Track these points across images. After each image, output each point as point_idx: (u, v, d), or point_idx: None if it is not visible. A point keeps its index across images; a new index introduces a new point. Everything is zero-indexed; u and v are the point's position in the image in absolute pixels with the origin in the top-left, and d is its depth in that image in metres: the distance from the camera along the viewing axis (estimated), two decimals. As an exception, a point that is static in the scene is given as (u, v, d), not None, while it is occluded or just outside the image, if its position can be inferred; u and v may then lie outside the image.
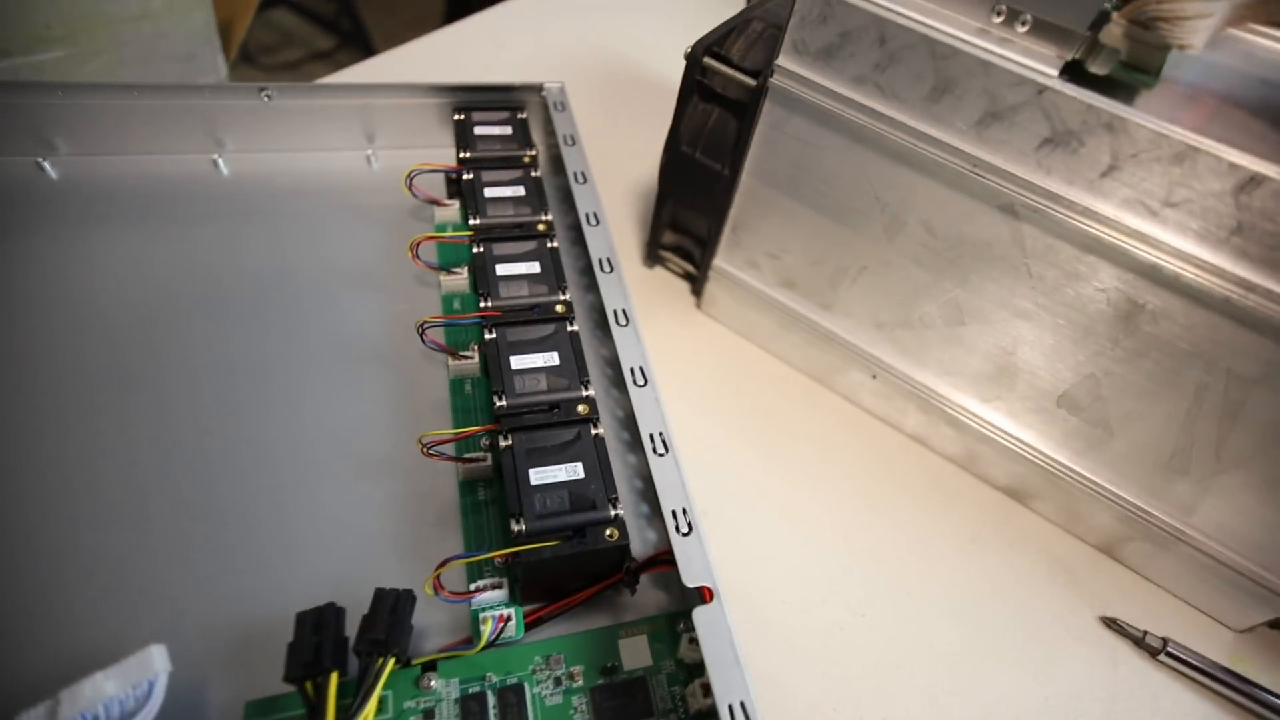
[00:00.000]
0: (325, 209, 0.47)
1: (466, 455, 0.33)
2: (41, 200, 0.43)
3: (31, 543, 0.30)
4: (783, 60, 0.34)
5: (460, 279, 0.41)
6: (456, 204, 0.45)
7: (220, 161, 0.47)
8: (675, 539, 0.28)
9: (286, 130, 0.48)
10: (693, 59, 0.38)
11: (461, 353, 0.37)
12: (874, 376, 0.41)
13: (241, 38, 0.96)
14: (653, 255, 0.48)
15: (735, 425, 0.42)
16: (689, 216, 0.45)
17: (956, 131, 0.31)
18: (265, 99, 0.46)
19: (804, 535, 0.38)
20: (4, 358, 0.36)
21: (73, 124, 0.44)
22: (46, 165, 0.44)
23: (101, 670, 0.24)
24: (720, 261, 0.43)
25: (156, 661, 0.24)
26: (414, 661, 0.27)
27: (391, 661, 0.26)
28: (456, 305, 0.41)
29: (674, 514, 0.29)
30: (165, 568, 0.30)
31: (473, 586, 0.29)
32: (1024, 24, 0.28)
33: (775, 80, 0.34)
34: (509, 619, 0.28)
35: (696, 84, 0.39)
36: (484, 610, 0.28)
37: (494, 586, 0.29)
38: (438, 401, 0.38)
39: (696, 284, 0.46)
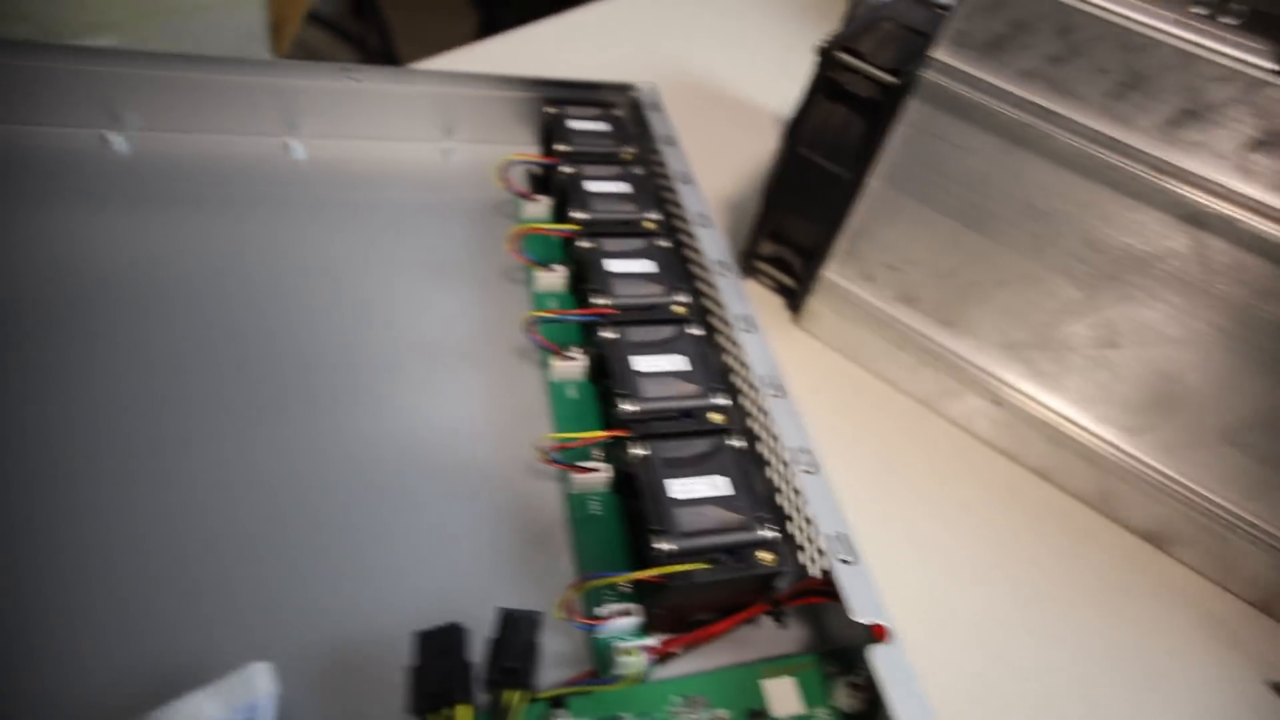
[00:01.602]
0: (401, 200, 0.44)
1: (586, 464, 0.29)
2: (105, 175, 0.40)
3: (112, 550, 0.26)
4: (940, 53, 0.32)
5: (555, 276, 0.38)
6: (545, 200, 0.43)
7: (294, 145, 0.44)
8: (838, 568, 0.25)
9: (364, 116, 0.45)
10: (825, 55, 0.36)
11: (567, 352, 0.34)
12: (996, 402, 0.38)
13: (295, 37, 0.95)
14: (748, 267, 0.46)
15: (838, 449, 0.39)
16: (795, 225, 0.42)
17: (1141, 132, 0.28)
18: (352, 81, 0.43)
19: (933, 571, 0.34)
20: (68, 342, 0.32)
21: (143, 97, 0.41)
22: (112, 138, 0.41)
23: (201, 689, 0.21)
24: (830, 273, 0.40)
25: (261, 681, 0.20)
26: (539, 696, 0.24)
27: (524, 696, 0.22)
28: (552, 304, 0.38)
29: (833, 540, 0.25)
30: (254, 579, 0.26)
31: (603, 612, 0.25)
32: (1234, 14, 0.26)
33: (929, 75, 0.32)
34: (658, 652, 0.24)
35: (826, 82, 0.37)
36: (618, 640, 0.24)
37: (624, 613, 0.25)
38: (532, 404, 0.35)
39: (794, 298, 0.44)
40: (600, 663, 0.25)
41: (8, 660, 0.23)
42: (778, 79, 0.76)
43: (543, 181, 0.44)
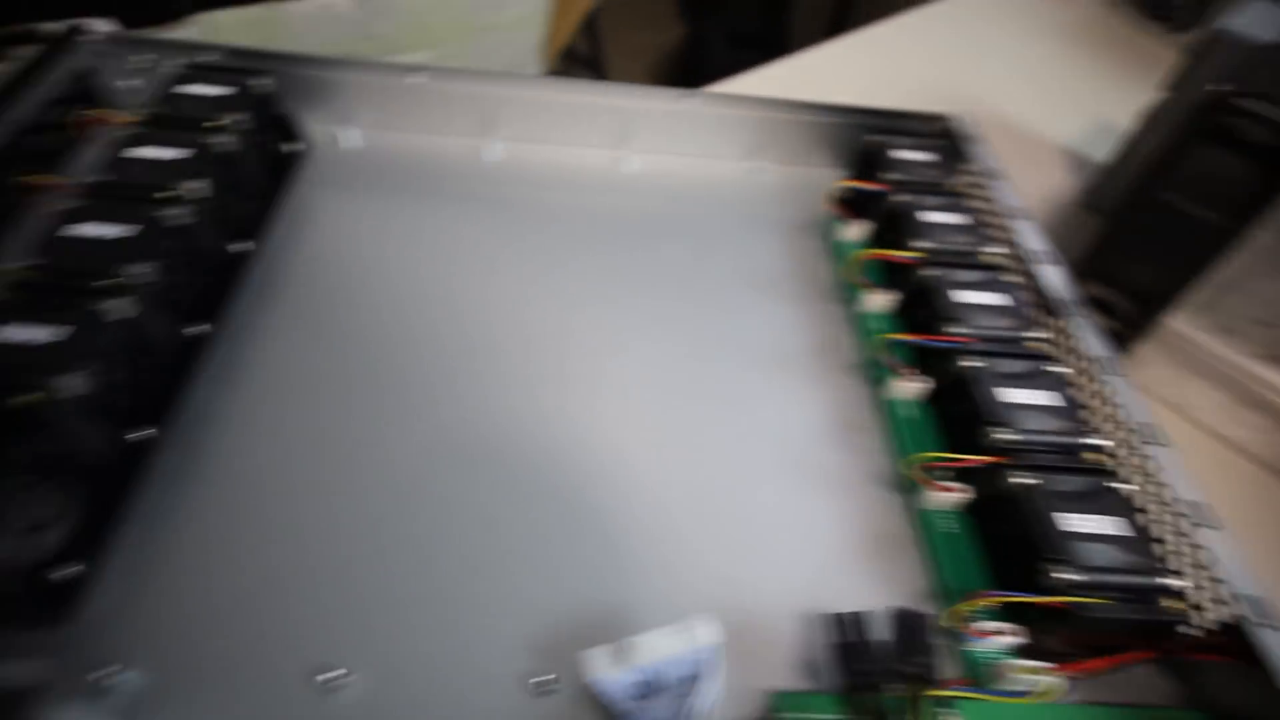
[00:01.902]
0: (714, 215, 0.48)
1: (952, 484, 0.31)
2: (478, 178, 0.47)
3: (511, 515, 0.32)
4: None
5: (883, 299, 0.40)
6: (862, 224, 0.45)
7: (625, 158, 0.50)
8: (1257, 631, 0.24)
9: (683, 135, 0.50)
10: (1211, 101, 0.35)
11: (915, 374, 0.35)
12: (1374, 482, 0.35)
13: (563, 48, 1.05)
14: (1061, 305, 0.45)
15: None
16: (1133, 268, 0.41)
17: None
18: (678, 103, 0.48)
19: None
20: (339, 336, 0.39)
21: (513, 113, 0.48)
22: (487, 147, 0.48)
23: (659, 630, 0.24)
24: (1179, 323, 0.39)
25: (708, 630, 0.24)
26: (937, 693, 0.25)
27: (927, 690, 0.24)
28: (881, 326, 0.40)
29: (1251, 601, 0.25)
30: (659, 556, 0.30)
31: (990, 627, 0.27)
32: None
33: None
34: (1055, 677, 0.25)
35: (1209, 125, 0.35)
36: (1002, 658, 0.26)
37: (1004, 632, 0.27)
38: (860, 419, 0.37)
39: (1120, 343, 0.42)
40: (973, 673, 0.27)
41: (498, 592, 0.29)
42: (1056, 109, 0.73)
43: (857, 206, 0.45)
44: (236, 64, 0.43)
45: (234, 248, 0.38)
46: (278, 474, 0.31)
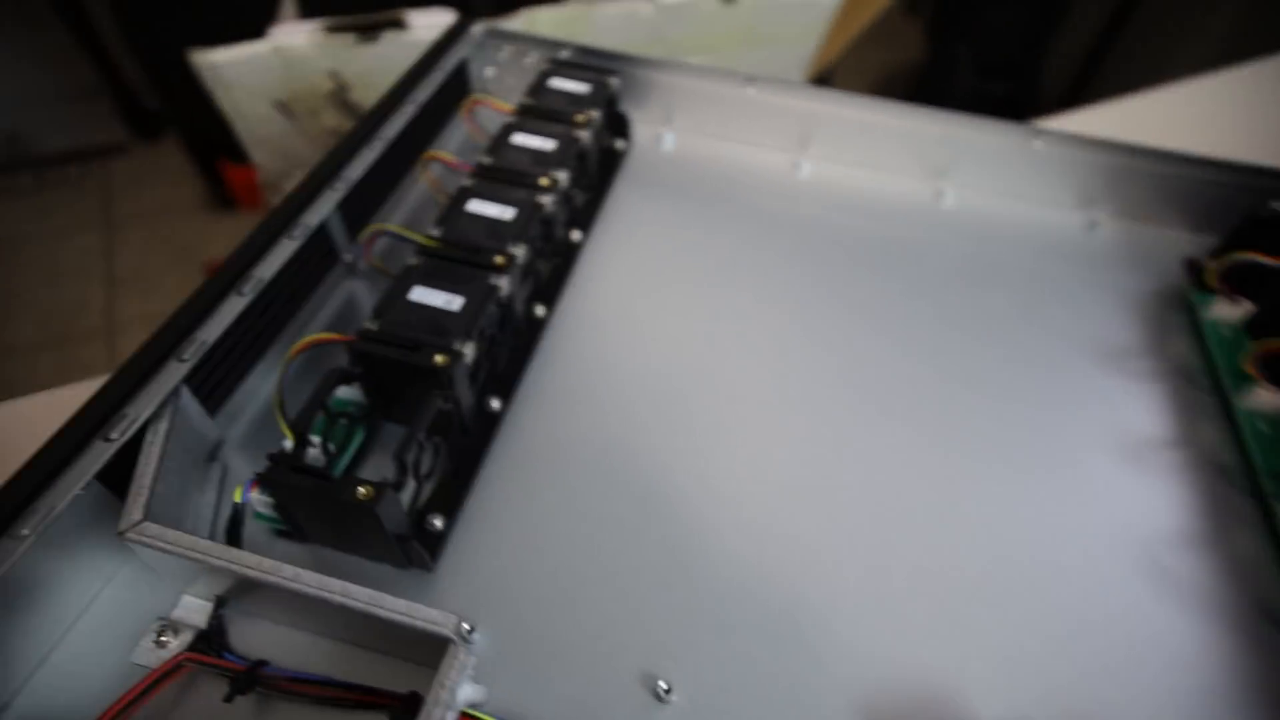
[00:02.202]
0: (1036, 266, 0.43)
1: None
2: (787, 193, 0.46)
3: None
4: None
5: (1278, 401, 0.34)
6: (1245, 304, 0.38)
7: (945, 191, 0.46)
8: None
9: (1002, 172, 0.45)
10: None
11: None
12: None
13: (827, 65, 1.02)
14: None
15: None
16: None
17: None
18: (1008, 138, 0.43)
19: None
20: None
21: (827, 132, 0.47)
22: (800, 163, 0.47)
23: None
24: None
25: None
26: None
27: None
28: (1265, 430, 0.33)
29: None
30: None
31: None
32: None
33: None
34: None
35: None
36: None
37: None
38: (1225, 531, 0.31)
39: None
40: None
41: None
42: None
43: (1241, 282, 0.39)
44: (590, 62, 0.46)
45: (574, 236, 0.40)
46: (606, 468, 0.32)
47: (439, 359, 0.27)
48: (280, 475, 0.24)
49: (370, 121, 0.37)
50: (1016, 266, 0.43)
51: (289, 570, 0.22)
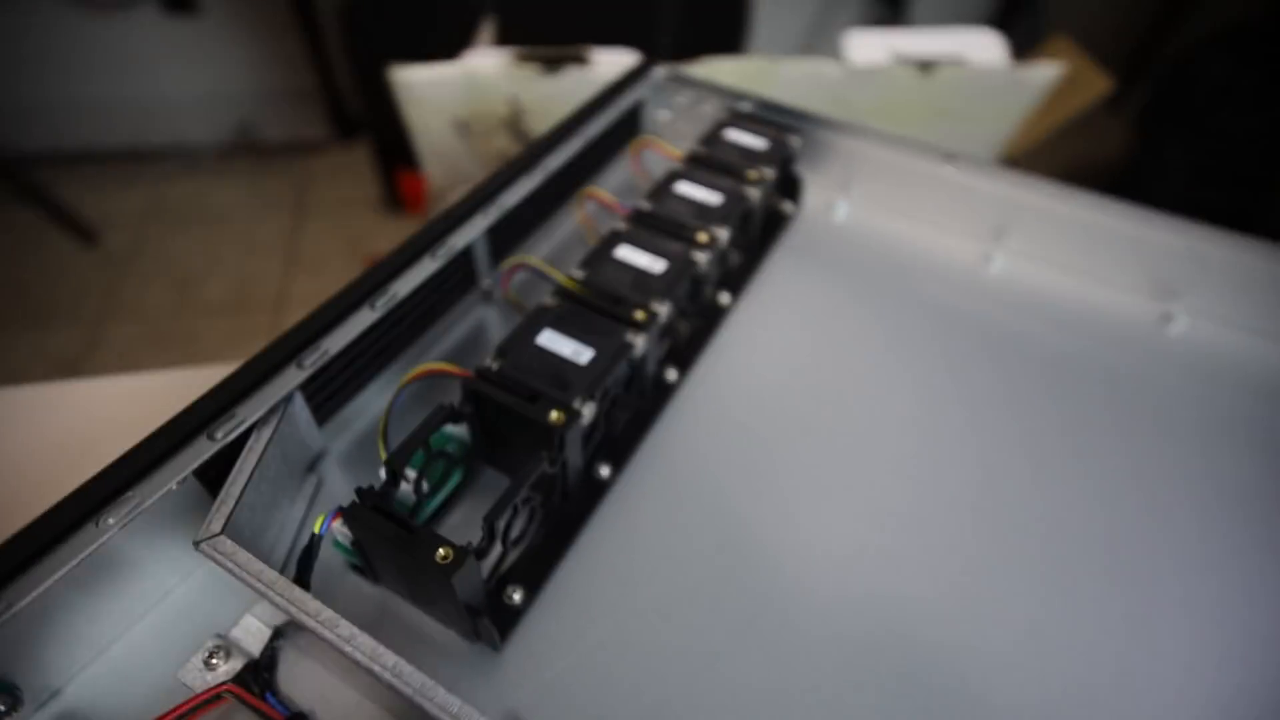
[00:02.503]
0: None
1: None
2: (977, 289, 0.40)
3: None
4: None
5: None
6: None
7: (1176, 318, 0.38)
8: None
9: (1243, 298, 0.37)
10: None
11: None
12: None
13: (1019, 152, 0.94)
14: None
15: None
16: None
17: None
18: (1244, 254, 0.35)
19: None
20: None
21: (1026, 224, 0.40)
22: (992, 255, 0.41)
23: None
24: None
25: None
26: None
27: None
28: None
29: None
30: None
31: None
32: None
33: None
34: None
35: None
36: None
37: None
38: None
39: None
40: None
41: None
42: None
43: None
44: (771, 117, 0.43)
45: (722, 299, 0.37)
46: (715, 572, 0.27)
47: (555, 416, 0.25)
48: (363, 514, 0.22)
49: (536, 149, 0.36)
50: (1264, 426, 0.34)
51: (345, 629, 0.20)
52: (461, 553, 0.21)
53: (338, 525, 0.23)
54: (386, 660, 0.19)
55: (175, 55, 1.42)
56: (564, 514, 0.28)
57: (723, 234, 0.33)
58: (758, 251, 0.40)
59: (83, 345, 1.15)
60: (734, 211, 0.35)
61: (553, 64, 0.63)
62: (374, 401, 0.32)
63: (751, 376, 0.35)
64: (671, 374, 0.33)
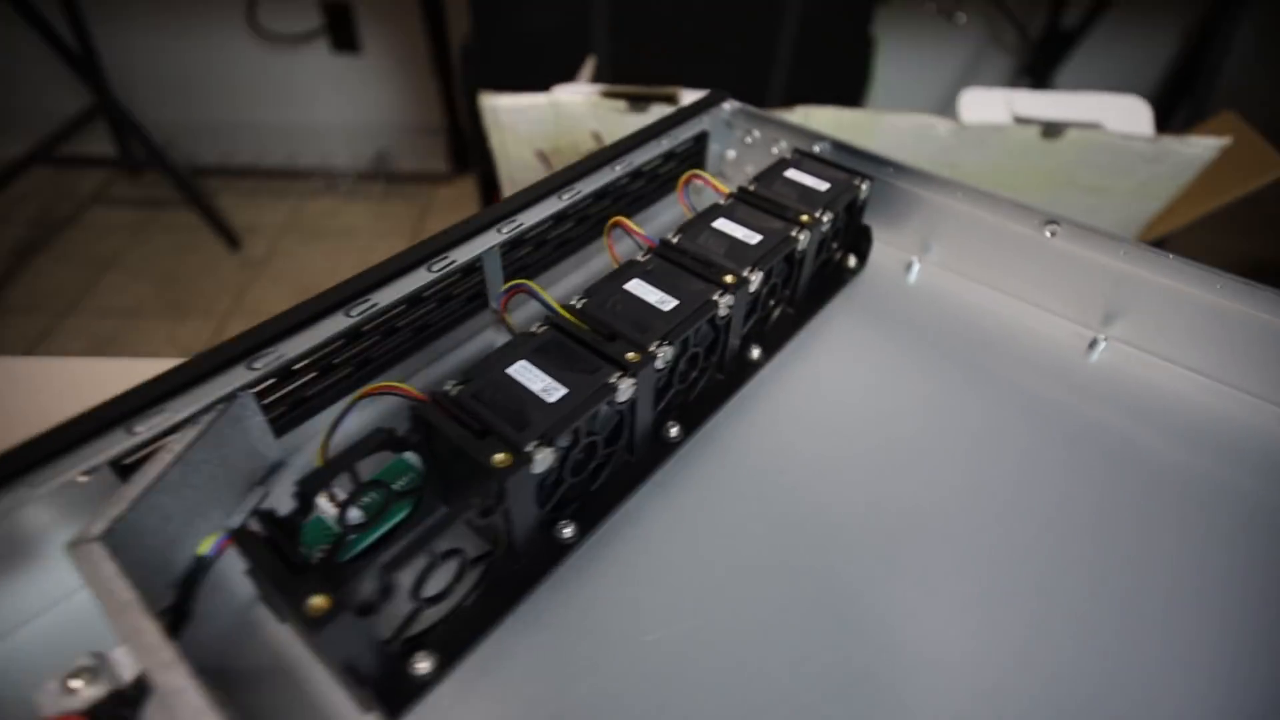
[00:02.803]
0: None
1: None
2: (1059, 375, 0.33)
3: None
4: None
5: None
6: None
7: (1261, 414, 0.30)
8: None
9: None
10: None
11: None
12: None
13: (1159, 236, 0.83)
14: None
15: None
16: None
17: None
18: None
19: None
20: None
21: (1141, 307, 0.33)
22: (1097, 340, 0.34)
23: None
24: None
25: None
26: None
27: None
28: None
29: None
30: None
31: None
32: None
33: None
34: None
35: None
36: None
37: None
38: None
39: None
40: None
41: None
42: None
43: None
44: (843, 161, 0.38)
45: (751, 355, 0.32)
46: (677, 686, 0.22)
47: (499, 458, 0.21)
48: (251, 541, 0.19)
49: (570, 173, 0.34)
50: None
51: (179, 679, 0.16)
52: (337, 607, 0.17)
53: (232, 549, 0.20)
54: (207, 726, 0.16)
55: (334, 88, 1.56)
56: (509, 574, 0.24)
57: (755, 277, 0.29)
58: (808, 306, 0.35)
59: (209, 336, 1.25)
60: (775, 254, 0.30)
61: (639, 101, 0.61)
62: (354, 417, 0.29)
63: (779, 445, 0.30)
64: (674, 431, 0.29)
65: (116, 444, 0.21)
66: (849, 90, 1.15)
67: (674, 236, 0.31)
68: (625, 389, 0.24)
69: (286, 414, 0.27)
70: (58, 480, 0.20)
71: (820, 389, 0.32)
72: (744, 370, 0.32)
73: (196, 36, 1.43)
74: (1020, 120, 0.65)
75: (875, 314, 0.36)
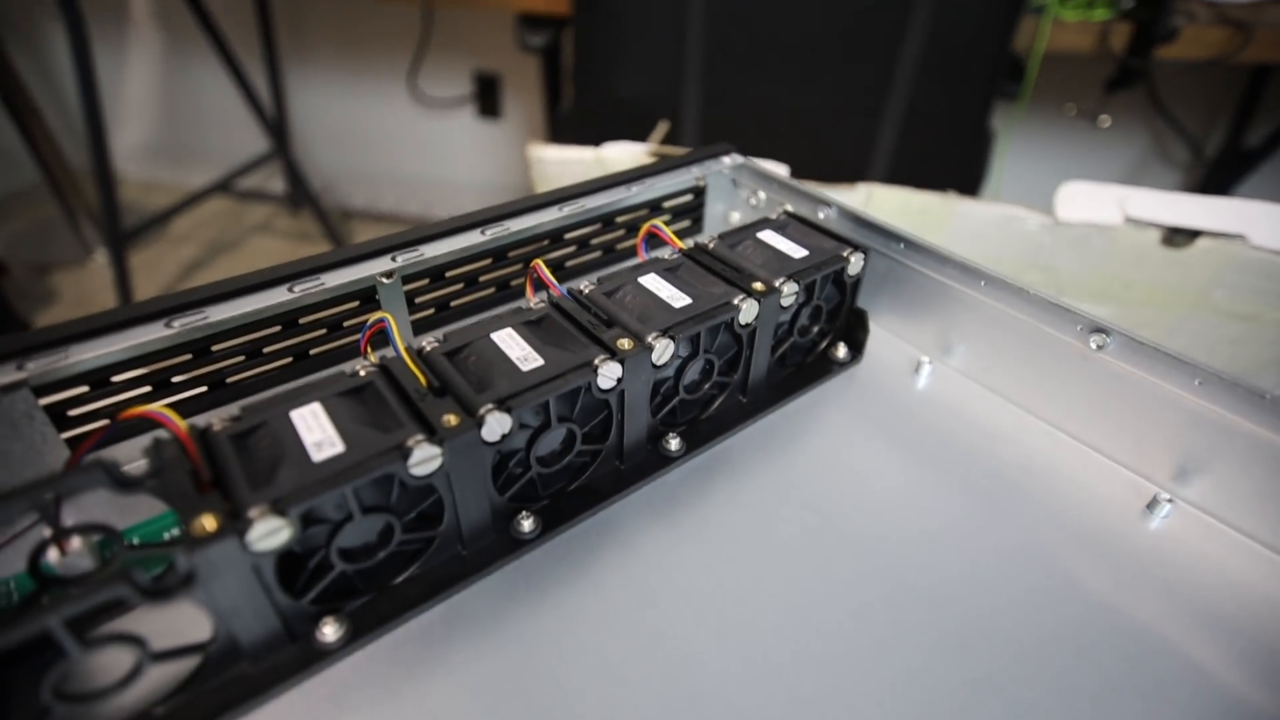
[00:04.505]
0: None
1: None
2: (1109, 539, 0.24)
3: None
4: None
5: None
6: None
7: None
8: None
9: None
10: None
11: None
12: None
13: None
14: None
15: None
16: None
17: None
18: None
19: None
20: None
21: (1226, 458, 0.23)
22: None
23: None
24: None
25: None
26: None
27: None
28: None
29: None
30: None
31: None
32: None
33: None
34: None
35: None
36: None
37: None
38: None
39: None
40: None
41: None
42: None
43: None
44: (843, 232, 0.32)
45: (669, 445, 0.26)
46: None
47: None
48: None
49: (505, 209, 0.30)
50: None
51: None
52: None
53: None
54: None
55: (472, 147, 1.68)
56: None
57: (663, 345, 0.23)
58: (764, 396, 0.28)
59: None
60: (700, 323, 0.24)
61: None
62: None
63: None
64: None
65: None
66: (960, 187, 1.06)
67: (588, 285, 0.25)
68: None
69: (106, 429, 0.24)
70: None
71: (766, 486, 0.25)
72: (650, 462, 0.25)
73: (364, 94, 1.59)
74: (1133, 222, 0.55)
75: (867, 419, 0.29)
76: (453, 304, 0.31)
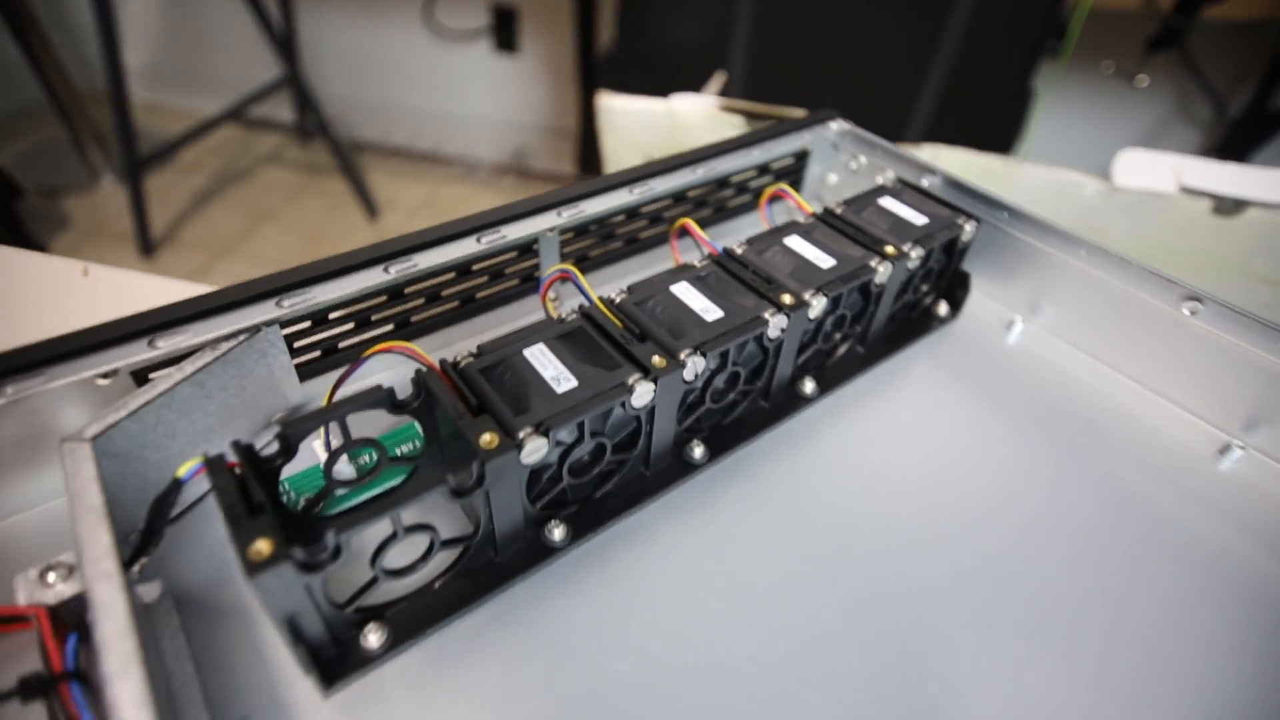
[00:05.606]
0: None
1: None
2: (1188, 485, 0.28)
3: None
4: None
5: None
6: None
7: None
8: None
9: None
10: None
11: None
12: None
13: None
14: None
15: None
16: None
17: None
18: None
19: None
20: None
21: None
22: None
23: None
24: None
25: None
26: None
27: None
28: None
29: None
30: None
31: None
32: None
33: None
34: None
35: None
36: None
37: None
38: None
39: None
40: None
41: None
42: None
43: None
44: (951, 199, 0.34)
45: (803, 389, 0.29)
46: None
47: (487, 438, 0.20)
48: (221, 473, 0.19)
49: (647, 169, 0.32)
50: None
51: (111, 593, 0.16)
52: (281, 554, 0.17)
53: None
54: (113, 660, 0.15)
55: (488, 84, 1.65)
56: (486, 564, 0.22)
57: (818, 302, 0.26)
58: (880, 348, 0.32)
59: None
60: (845, 283, 0.27)
61: (757, 119, 0.59)
62: (383, 377, 0.29)
63: (814, 490, 0.27)
64: (699, 453, 0.26)
65: (136, 354, 0.22)
66: (998, 143, 1.07)
67: (739, 247, 0.29)
68: (642, 393, 0.22)
69: (319, 360, 0.27)
70: (73, 378, 0.21)
71: (877, 439, 0.29)
72: (792, 403, 0.29)
73: (378, 24, 1.55)
74: (1188, 191, 0.57)
75: (961, 371, 0.32)
76: (591, 254, 0.34)
